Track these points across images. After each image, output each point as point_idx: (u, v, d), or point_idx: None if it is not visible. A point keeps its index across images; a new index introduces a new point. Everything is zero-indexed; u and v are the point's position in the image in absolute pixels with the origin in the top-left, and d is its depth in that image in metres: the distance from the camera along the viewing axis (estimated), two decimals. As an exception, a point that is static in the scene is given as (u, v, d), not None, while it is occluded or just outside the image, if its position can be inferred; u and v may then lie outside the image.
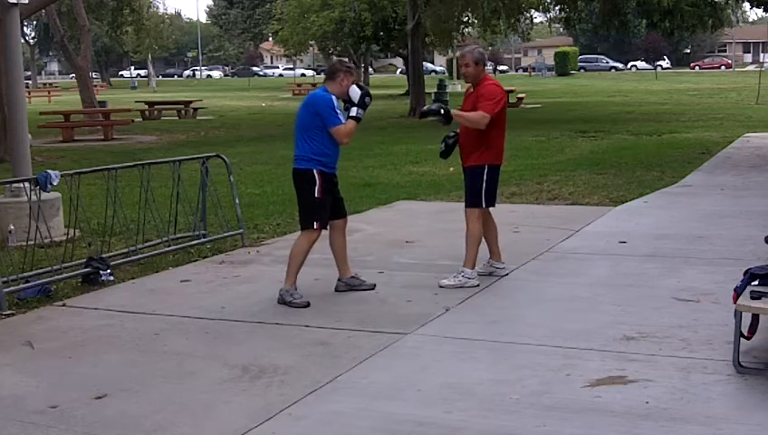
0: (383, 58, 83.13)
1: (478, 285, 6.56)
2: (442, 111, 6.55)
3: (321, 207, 6.28)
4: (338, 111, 6.19)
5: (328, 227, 6.44)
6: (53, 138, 21.96)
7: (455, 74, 42.74)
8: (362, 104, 6.25)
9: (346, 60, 6.40)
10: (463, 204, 6.86)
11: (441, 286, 6.53)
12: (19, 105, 9.06)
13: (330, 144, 6.24)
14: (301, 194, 6.34)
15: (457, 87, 37.31)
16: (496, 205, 6.88)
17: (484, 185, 6.62)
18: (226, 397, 4.52)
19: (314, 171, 6.21)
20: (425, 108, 6.81)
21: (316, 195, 6.23)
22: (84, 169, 7.93)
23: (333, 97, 6.20)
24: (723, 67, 76.82)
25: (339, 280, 6.62)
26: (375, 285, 6.62)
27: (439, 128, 7.02)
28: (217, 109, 34.77)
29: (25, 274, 6.90)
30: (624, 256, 7.57)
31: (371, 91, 6.56)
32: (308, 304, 6.15)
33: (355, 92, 6.25)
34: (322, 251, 6.57)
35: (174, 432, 4.13)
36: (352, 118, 6.23)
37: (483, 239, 6.82)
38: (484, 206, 6.67)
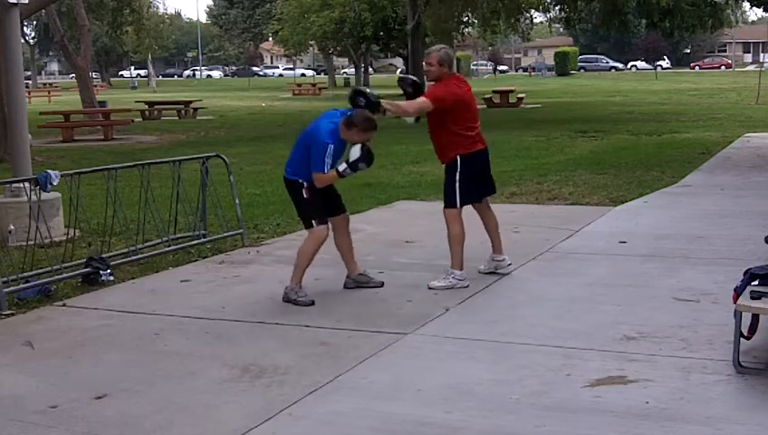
0: (383, 58, 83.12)
1: (468, 286, 6.56)
2: (369, 97, 6.35)
3: (314, 205, 6.34)
4: (328, 158, 6.12)
5: (330, 226, 6.47)
6: (53, 138, 21.95)
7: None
8: (353, 167, 6.22)
9: (373, 117, 6.34)
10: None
11: (431, 288, 6.52)
12: (19, 105, 9.05)
13: None
14: (293, 199, 6.46)
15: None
16: (497, 204, 6.89)
17: (458, 181, 6.58)
18: (226, 397, 4.52)
19: (299, 180, 6.31)
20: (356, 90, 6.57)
21: (305, 195, 6.32)
22: (84, 169, 7.92)
23: (331, 145, 6.13)
24: (723, 67, 76.87)
25: (347, 277, 6.67)
26: (383, 283, 6.64)
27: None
28: (217, 109, 34.76)
29: (25, 274, 6.90)
30: (624, 256, 7.57)
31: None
32: (313, 303, 6.18)
33: (354, 153, 6.19)
34: (323, 251, 6.56)
35: (174, 432, 4.13)
36: (337, 172, 6.21)
37: (488, 234, 6.89)
38: (459, 206, 6.64)
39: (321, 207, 6.37)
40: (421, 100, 6.50)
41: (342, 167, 6.22)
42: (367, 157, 6.21)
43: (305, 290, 6.27)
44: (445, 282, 6.56)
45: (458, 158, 6.58)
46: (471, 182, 6.65)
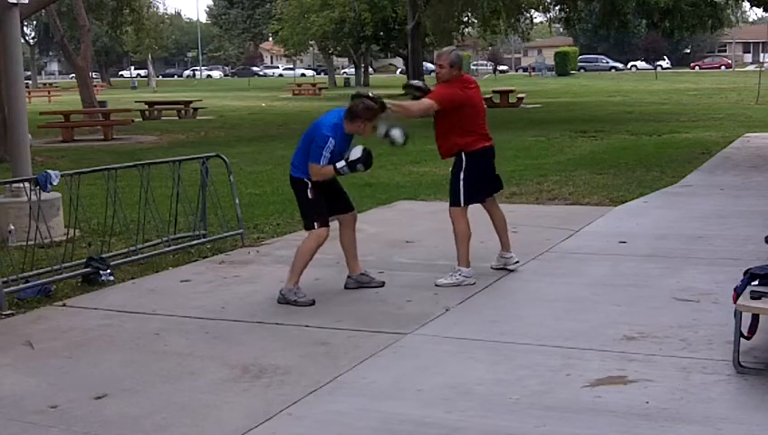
0: (383, 58, 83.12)
1: (475, 283, 6.57)
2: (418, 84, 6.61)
3: (317, 205, 6.33)
4: (326, 151, 6.12)
5: (337, 223, 6.49)
6: (53, 138, 21.95)
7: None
8: (352, 167, 6.21)
9: (373, 103, 6.30)
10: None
11: (438, 285, 6.55)
12: (19, 105, 9.05)
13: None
14: (297, 197, 6.46)
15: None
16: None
17: (462, 179, 6.58)
18: (226, 397, 4.52)
19: (305, 178, 6.30)
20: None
21: (309, 196, 6.31)
22: (84, 169, 7.92)
23: (332, 139, 6.14)
24: (723, 67, 76.88)
25: (348, 277, 6.66)
26: (384, 283, 6.64)
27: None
28: (217, 109, 34.75)
29: (25, 274, 6.90)
30: (624, 256, 7.56)
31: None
32: (313, 303, 6.18)
33: (355, 153, 6.20)
34: (323, 251, 6.56)
35: (174, 432, 4.13)
36: (335, 168, 6.21)
37: (497, 232, 6.93)
38: (462, 204, 6.65)
39: (324, 208, 6.37)
40: (427, 101, 6.50)
41: (341, 164, 6.20)
42: (366, 159, 6.23)
43: (303, 290, 6.27)
44: (452, 279, 6.59)
45: (463, 155, 6.59)
46: (476, 180, 6.65)
